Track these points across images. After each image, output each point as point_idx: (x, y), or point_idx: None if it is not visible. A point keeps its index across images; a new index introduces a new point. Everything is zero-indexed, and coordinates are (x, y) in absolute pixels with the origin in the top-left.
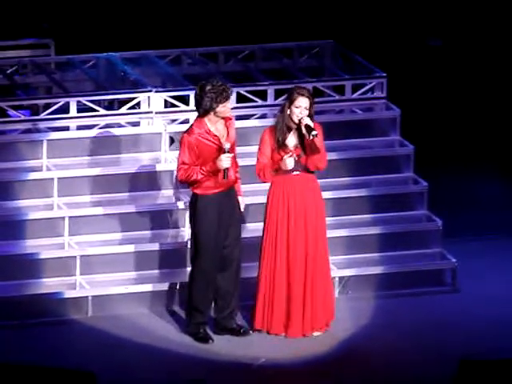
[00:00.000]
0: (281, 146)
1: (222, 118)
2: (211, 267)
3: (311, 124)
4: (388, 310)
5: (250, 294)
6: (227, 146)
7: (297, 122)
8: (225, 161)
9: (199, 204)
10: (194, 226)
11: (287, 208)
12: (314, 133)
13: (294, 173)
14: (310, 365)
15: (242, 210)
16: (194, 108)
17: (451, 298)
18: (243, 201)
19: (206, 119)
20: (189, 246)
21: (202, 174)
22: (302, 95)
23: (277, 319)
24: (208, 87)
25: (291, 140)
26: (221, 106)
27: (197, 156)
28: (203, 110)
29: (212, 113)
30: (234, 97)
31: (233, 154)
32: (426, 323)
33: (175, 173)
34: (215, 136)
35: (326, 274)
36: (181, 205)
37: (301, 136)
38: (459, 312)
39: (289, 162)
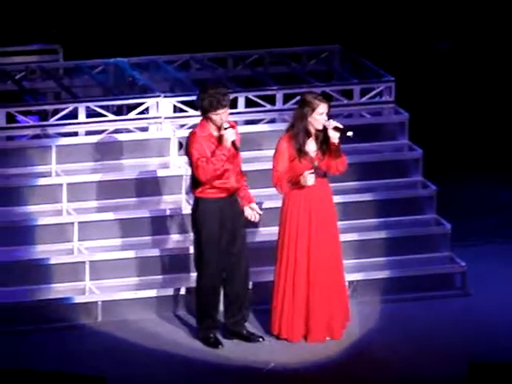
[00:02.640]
0: (301, 154)
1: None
2: (216, 271)
3: (339, 125)
4: (397, 314)
5: (265, 297)
6: (226, 125)
7: (321, 128)
8: (228, 134)
9: (200, 207)
10: (196, 230)
11: (309, 213)
12: (349, 133)
13: None
14: (320, 369)
15: (260, 212)
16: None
17: (461, 302)
18: (256, 206)
19: (209, 123)
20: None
21: (216, 159)
22: (323, 101)
23: (297, 325)
24: (209, 91)
25: (311, 146)
26: (214, 113)
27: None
28: (200, 112)
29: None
30: (242, 101)
31: (234, 130)
32: (435, 327)
33: (193, 175)
34: (217, 139)
35: (343, 277)
36: (189, 210)
37: (323, 141)
38: (469, 316)
39: (309, 179)
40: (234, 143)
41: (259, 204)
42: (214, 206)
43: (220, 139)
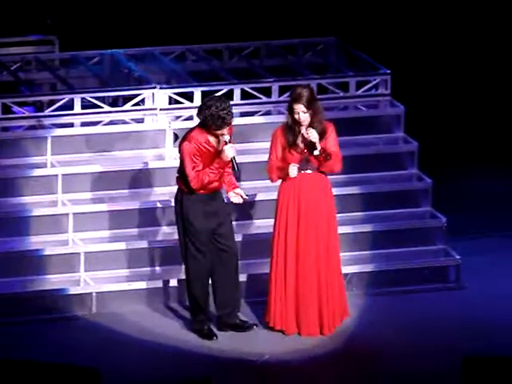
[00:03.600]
0: (292, 145)
1: None
2: (204, 262)
3: (316, 140)
4: (390, 307)
5: (260, 289)
6: (226, 137)
7: (303, 125)
8: (229, 150)
9: (184, 199)
10: (181, 223)
11: (298, 206)
12: (316, 153)
13: (306, 171)
14: (313, 361)
15: (245, 196)
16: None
17: (455, 295)
18: (240, 191)
19: (208, 130)
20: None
21: (213, 172)
22: (296, 101)
23: (291, 317)
24: (213, 108)
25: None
26: (218, 130)
27: (200, 160)
28: (201, 123)
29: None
30: (238, 93)
31: (234, 145)
32: (429, 320)
33: (181, 170)
34: (214, 147)
35: (338, 271)
36: None
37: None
38: (463, 309)
39: (291, 171)
40: (233, 159)
41: (252, 196)
42: (197, 199)
43: (219, 152)
